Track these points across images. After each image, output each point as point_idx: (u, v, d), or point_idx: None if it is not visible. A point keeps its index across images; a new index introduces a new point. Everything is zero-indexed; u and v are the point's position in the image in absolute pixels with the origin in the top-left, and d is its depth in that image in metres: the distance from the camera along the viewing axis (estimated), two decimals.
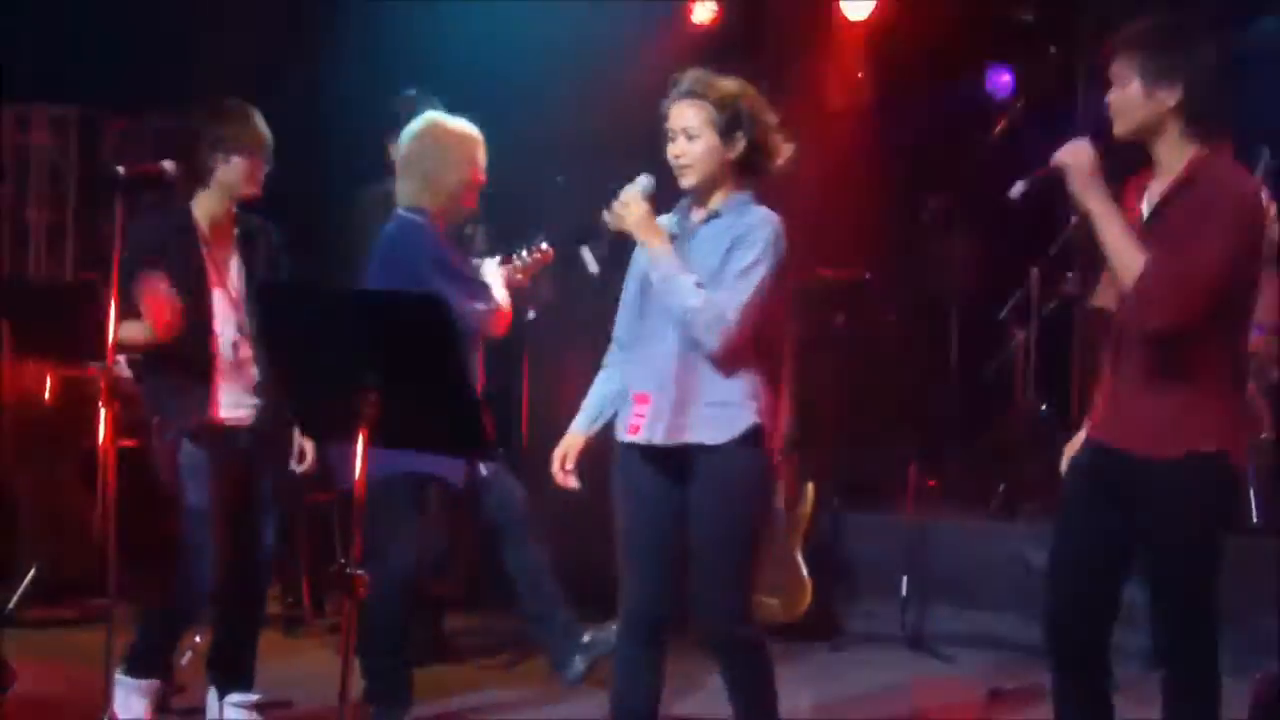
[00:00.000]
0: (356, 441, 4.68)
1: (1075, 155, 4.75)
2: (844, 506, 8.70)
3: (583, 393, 5.63)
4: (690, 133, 5.31)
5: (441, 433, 5.01)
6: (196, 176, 6.28)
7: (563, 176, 9.12)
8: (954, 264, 10.01)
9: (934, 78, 10.67)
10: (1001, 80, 10.85)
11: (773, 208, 5.40)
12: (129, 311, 5.93)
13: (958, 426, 9.72)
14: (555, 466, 5.49)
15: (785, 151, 5.42)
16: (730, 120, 5.29)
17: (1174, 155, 4.86)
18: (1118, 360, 4.94)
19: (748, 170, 5.39)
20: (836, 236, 10.38)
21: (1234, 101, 4.96)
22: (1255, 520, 8.10)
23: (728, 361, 5.25)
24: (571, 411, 5.61)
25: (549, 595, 6.76)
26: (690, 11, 10.69)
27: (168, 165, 5.95)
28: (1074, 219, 8.42)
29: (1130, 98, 4.84)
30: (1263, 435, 8.22)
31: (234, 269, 6.41)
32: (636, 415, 5.35)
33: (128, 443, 6.31)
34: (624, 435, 5.41)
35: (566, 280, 7.67)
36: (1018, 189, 4.89)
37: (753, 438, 5.26)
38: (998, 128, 9.60)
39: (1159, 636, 4.93)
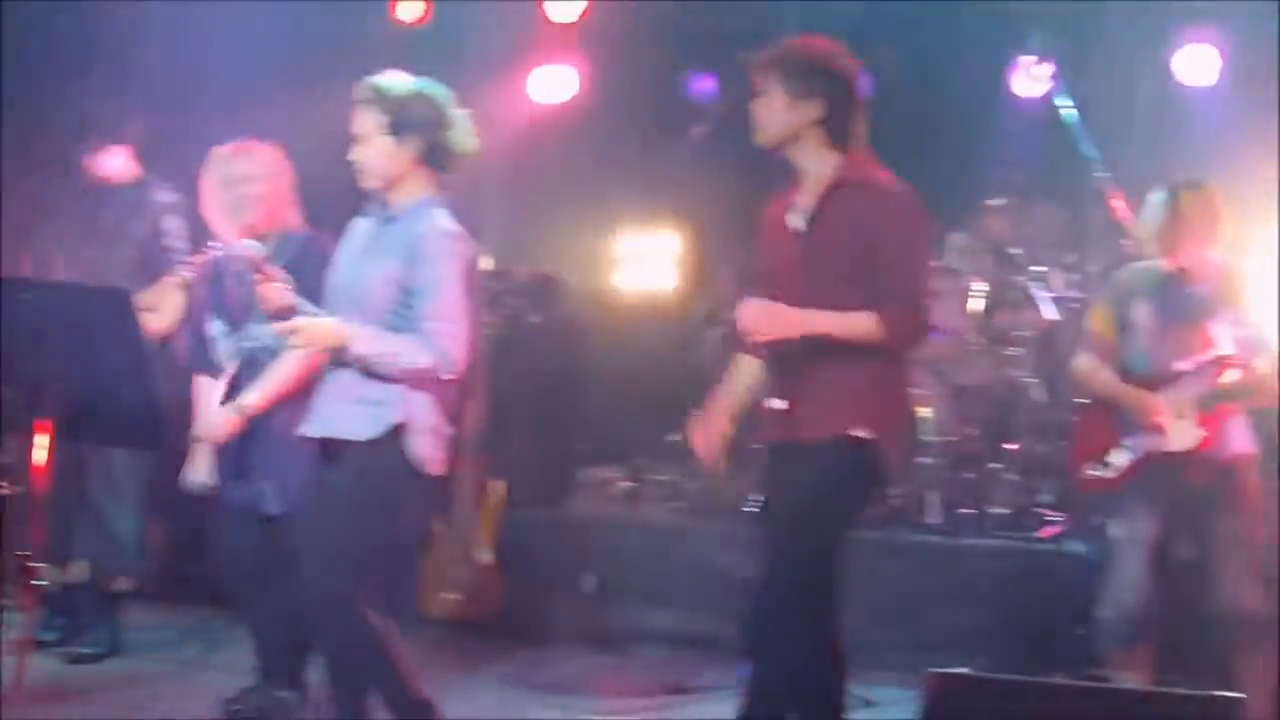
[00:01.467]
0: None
1: (756, 320, 5.14)
2: (533, 503, 8.70)
3: None
4: (363, 138, 5.38)
5: (124, 426, 4.96)
6: None
7: None
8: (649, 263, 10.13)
9: (639, 80, 10.77)
10: (704, 85, 11.01)
11: (462, 205, 5.45)
12: None
13: (648, 425, 9.78)
14: None
15: (470, 149, 5.46)
16: (401, 122, 5.34)
17: (818, 165, 5.29)
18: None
19: (431, 168, 5.42)
20: (535, 234, 10.46)
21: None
22: (932, 520, 8.31)
23: None
24: None
25: None
26: (394, 9, 10.62)
27: None
28: None
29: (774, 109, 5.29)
30: (945, 437, 8.48)
31: None
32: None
33: None
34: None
35: None
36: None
37: (395, 436, 5.29)
38: (698, 131, 9.69)
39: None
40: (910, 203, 5.27)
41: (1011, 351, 8.83)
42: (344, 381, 5.34)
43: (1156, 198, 6.56)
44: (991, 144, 10.38)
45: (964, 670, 4.43)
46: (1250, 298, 6.52)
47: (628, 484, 9.37)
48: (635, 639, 8.19)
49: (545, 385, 9.23)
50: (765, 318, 5.15)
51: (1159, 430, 6.38)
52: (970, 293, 8.72)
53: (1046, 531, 8.22)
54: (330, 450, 5.38)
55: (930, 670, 4.14)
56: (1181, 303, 6.45)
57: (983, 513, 8.48)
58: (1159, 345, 6.49)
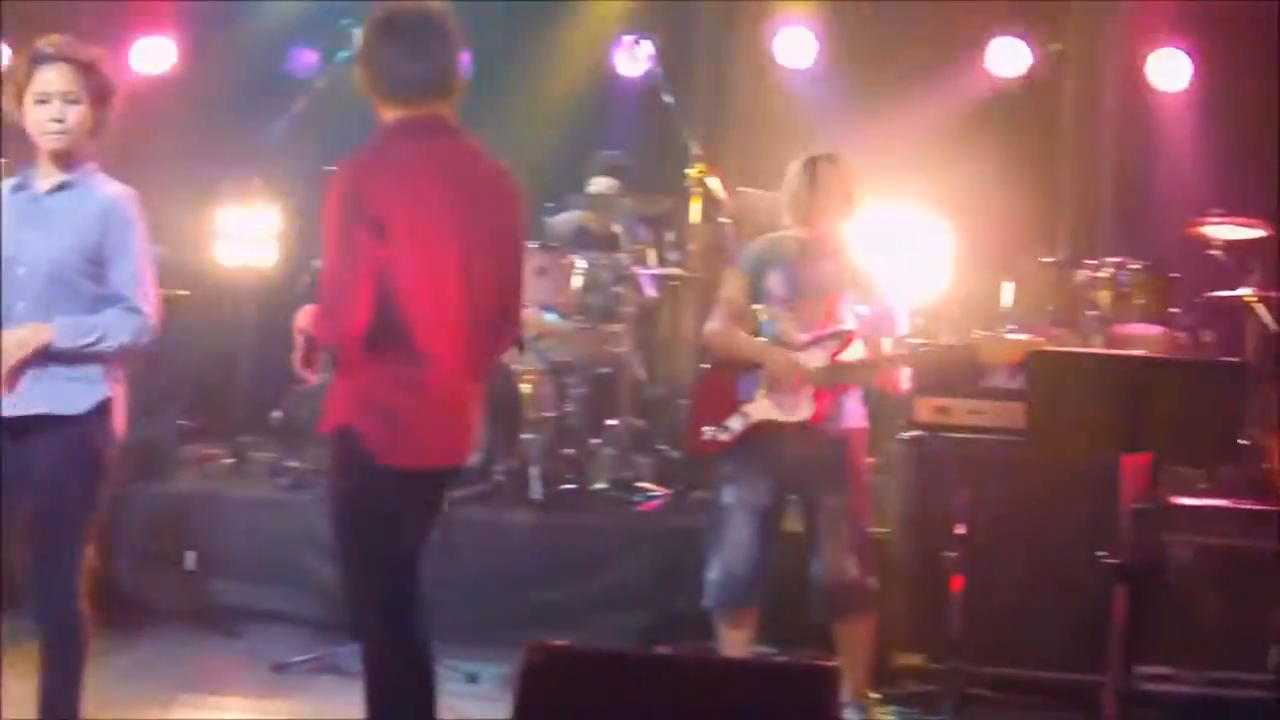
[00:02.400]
0: None
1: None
2: (133, 479, 8.46)
3: None
4: (70, 97, 5.25)
5: None
6: None
7: None
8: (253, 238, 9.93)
9: (238, 51, 10.59)
10: (304, 60, 10.86)
11: None
12: None
13: (250, 402, 9.61)
14: None
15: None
16: (100, 86, 5.31)
17: None
18: None
19: (97, 137, 5.39)
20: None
21: None
22: (535, 496, 8.35)
23: None
24: None
25: None
26: None
27: None
28: None
29: None
30: (547, 414, 8.52)
31: None
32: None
33: None
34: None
35: None
36: None
37: (103, 410, 5.28)
38: (297, 104, 9.55)
39: None
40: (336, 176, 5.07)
41: (611, 329, 8.91)
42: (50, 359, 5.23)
43: (793, 168, 6.61)
44: (594, 123, 10.48)
45: (563, 642, 4.44)
46: (881, 275, 6.66)
47: (229, 460, 9.16)
48: (239, 617, 8.03)
49: (144, 359, 8.96)
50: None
51: (781, 391, 6.47)
52: (570, 270, 8.75)
53: (647, 505, 8.32)
54: (39, 428, 5.24)
55: (528, 642, 4.12)
56: (811, 275, 6.56)
57: (584, 488, 8.57)
58: (787, 315, 6.57)
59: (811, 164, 6.54)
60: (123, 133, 9.95)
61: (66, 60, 5.25)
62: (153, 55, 10.57)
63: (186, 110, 10.56)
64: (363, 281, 4.83)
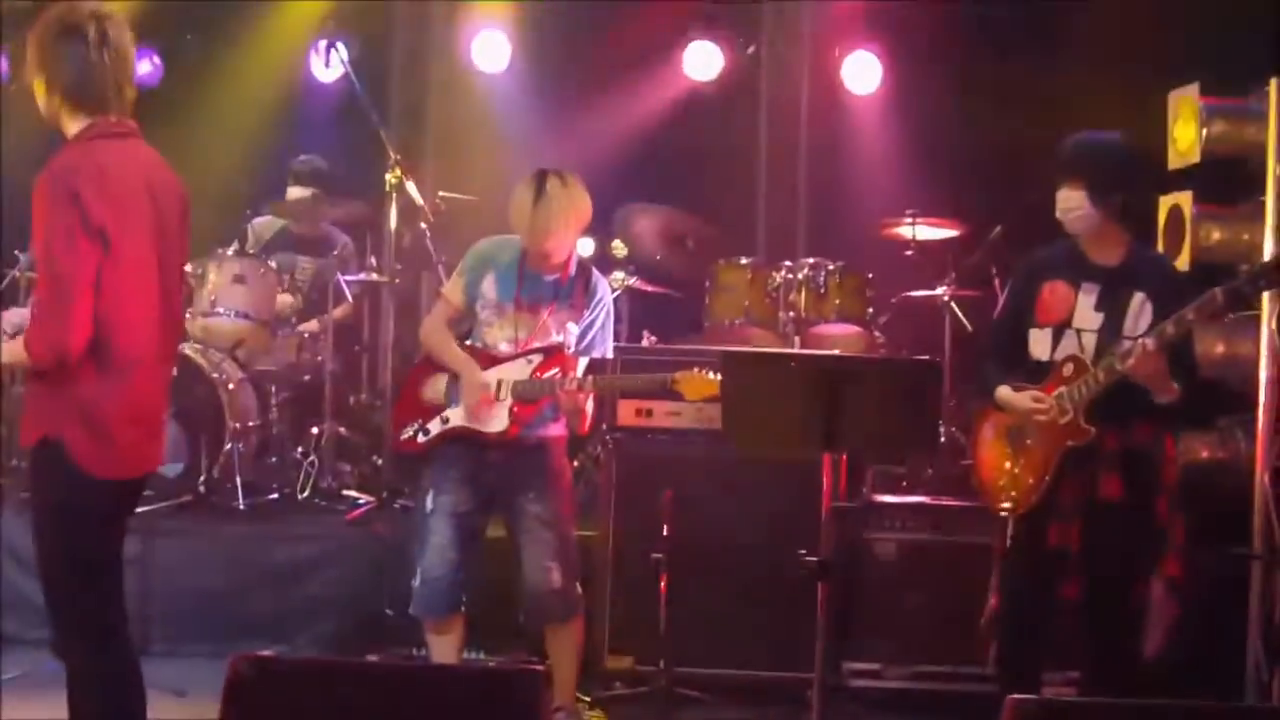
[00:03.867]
0: None
1: None
2: None
3: None
4: None
5: None
6: None
7: None
8: None
9: None
10: None
11: None
12: None
13: None
14: None
15: None
16: None
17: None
18: None
19: None
20: None
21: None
22: (240, 506, 8.25)
23: None
24: None
25: None
26: None
27: None
28: None
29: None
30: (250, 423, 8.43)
31: None
32: None
33: None
34: None
35: None
36: None
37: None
38: None
39: None
40: (50, 185, 4.87)
41: (311, 335, 8.83)
42: None
43: (523, 182, 6.56)
44: (291, 128, 10.39)
45: (269, 653, 4.40)
46: (597, 298, 6.67)
47: None
48: None
49: None
50: None
51: (473, 408, 6.48)
52: (269, 277, 8.65)
53: (354, 514, 8.27)
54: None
55: (235, 654, 4.07)
56: (528, 284, 6.56)
57: (290, 497, 8.50)
58: (498, 322, 6.57)
59: (540, 179, 6.50)
60: None
61: None
62: None
63: None
64: (89, 291, 4.78)
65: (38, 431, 4.91)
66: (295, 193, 9.33)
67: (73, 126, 4.99)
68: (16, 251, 8.47)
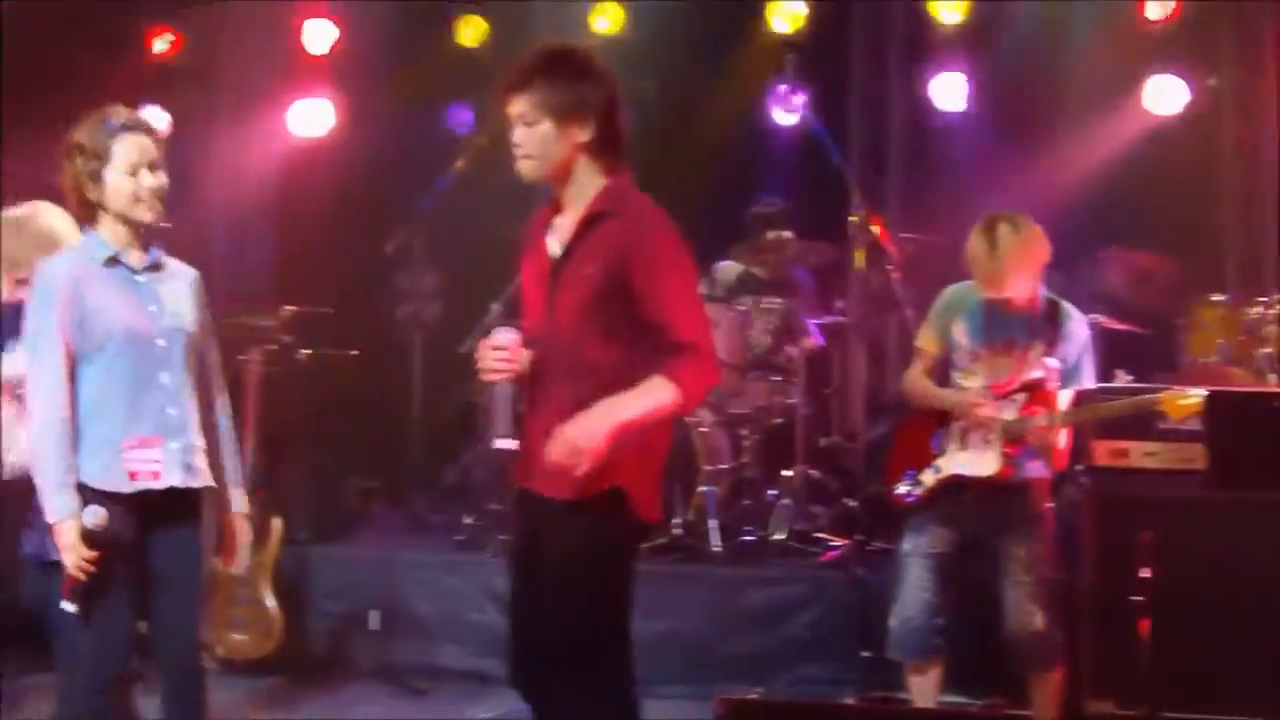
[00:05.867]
0: None
1: (562, 458, 4.69)
2: (311, 541, 8.60)
3: None
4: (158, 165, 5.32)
5: None
6: None
7: None
8: (418, 297, 10.08)
9: (397, 111, 10.72)
10: (462, 117, 10.99)
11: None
12: None
13: (423, 460, 9.73)
14: None
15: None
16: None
17: (583, 190, 4.93)
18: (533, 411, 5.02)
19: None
20: (299, 269, 10.33)
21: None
22: (715, 548, 8.32)
23: None
24: None
25: None
26: (151, 43, 10.47)
27: None
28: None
29: (543, 137, 4.87)
30: (722, 465, 8.53)
31: None
32: (152, 460, 5.27)
33: None
34: (134, 483, 5.26)
35: None
36: None
37: None
38: (458, 162, 9.66)
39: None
40: (667, 230, 4.90)
41: (782, 378, 8.90)
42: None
43: (975, 229, 6.57)
44: (753, 172, 10.51)
45: (754, 694, 4.43)
46: (1071, 332, 6.62)
47: (405, 519, 9.27)
48: (425, 674, 8.13)
49: (318, 421, 9.12)
50: (570, 452, 4.67)
51: (969, 448, 6.48)
52: (741, 321, 8.76)
53: (828, 556, 8.30)
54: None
55: (720, 695, 4.13)
56: (998, 327, 6.55)
57: (763, 540, 8.56)
58: (973, 366, 6.58)
59: (990, 225, 6.49)
60: (284, 194, 10.23)
61: (147, 131, 5.33)
62: (311, 118, 10.69)
63: (345, 171, 10.67)
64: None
65: (601, 481, 4.77)
66: (759, 236, 9.42)
67: (598, 174, 4.93)
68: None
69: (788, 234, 9.41)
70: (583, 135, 4.87)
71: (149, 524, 5.25)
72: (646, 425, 4.74)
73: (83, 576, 5.05)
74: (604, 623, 4.96)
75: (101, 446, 5.18)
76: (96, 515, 5.05)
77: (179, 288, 5.39)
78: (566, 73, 4.88)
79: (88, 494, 5.12)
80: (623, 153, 4.98)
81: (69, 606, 5.10)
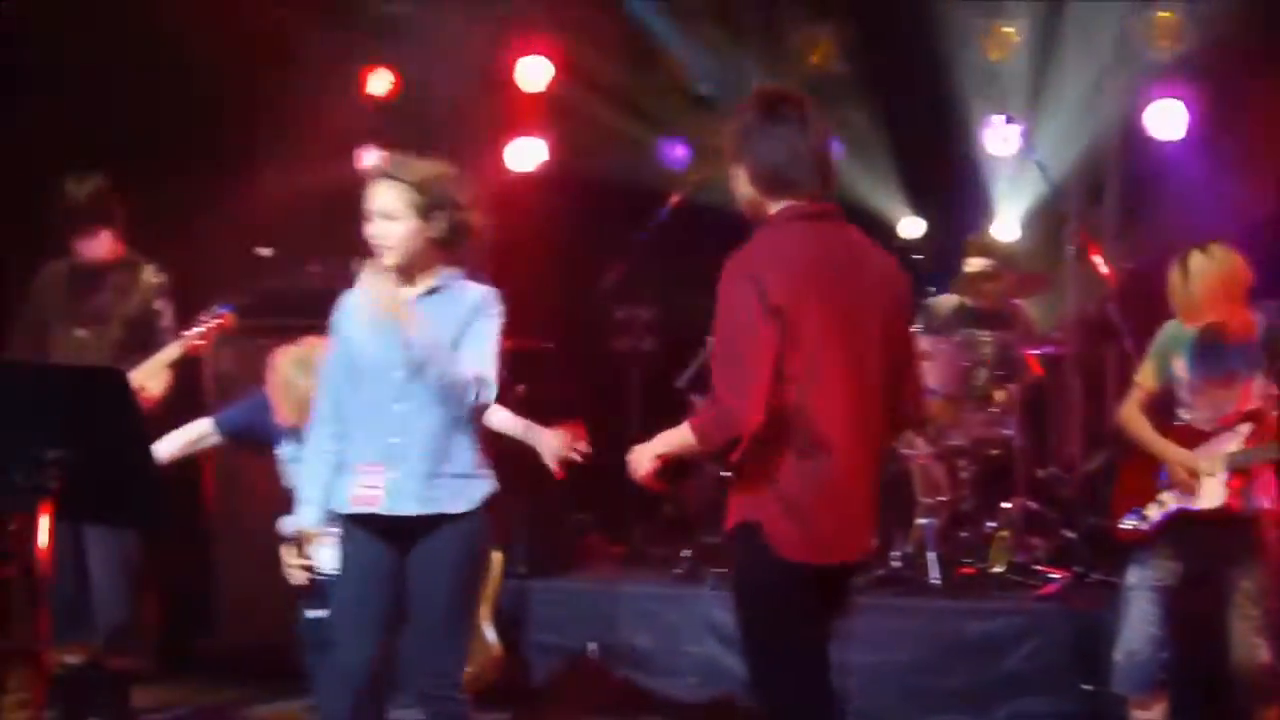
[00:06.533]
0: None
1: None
2: (530, 574, 8.68)
3: None
4: (390, 214, 5.45)
5: (125, 505, 4.96)
6: None
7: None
8: (634, 331, 10.15)
9: (611, 148, 10.80)
10: (676, 153, 11.06)
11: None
12: None
13: (640, 492, 9.76)
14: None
15: (481, 228, 5.57)
16: (431, 202, 5.48)
17: None
18: None
19: (450, 247, 5.58)
20: (515, 304, 10.41)
21: None
22: (933, 580, 8.28)
23: (472, 431, 5.62)
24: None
25: None
26: (365, 82, 10.68)
27: None
28: None
29: None
30: (940, 498, 8.47)
31: None
32: (369, 486, 5.45)
33: None
34: (354, 506, 5.49)
35: None
36: None
37: (488, 505, 5.61)
38: (673, 199, 9.72)
39: None
40: (733, 266, 4.92)
41: (998, 409, 8.82)
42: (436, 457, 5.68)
43: (1174, 262, 6.56)
44: (970, 203, 10.44)
45: None
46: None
47: (624, 552, 9.33)
48: (644, 706, 8.21)
49: (536, 455, 9.18)
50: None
51: (1189, 487, 6.41)
52: (954, 353, 8.71)
53: (1048, 589, 8.21)
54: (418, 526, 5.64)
55: None
56: (1217, 359, 6.49)
57: (982, 572, 8.48)
58: (1195, 400, 6.53)
59: (1185, 256, 6.48)
60: (500, 229, 10.33)
61: (391, 178, 5.48)
62: (525, 154, 10.85)
63: (560, 205, 10.77)
64: (767, 372, 4.78)
65: (738, 516, 4.96)
66: (974, 265, 9.35)
67: (770, 210, 5.03)
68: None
69: (1000, 264, 9.32)
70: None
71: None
72: (684, 457, 5.03)
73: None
74: (755, 662, 5.08)
75: None
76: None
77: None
78: None
79: None
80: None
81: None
